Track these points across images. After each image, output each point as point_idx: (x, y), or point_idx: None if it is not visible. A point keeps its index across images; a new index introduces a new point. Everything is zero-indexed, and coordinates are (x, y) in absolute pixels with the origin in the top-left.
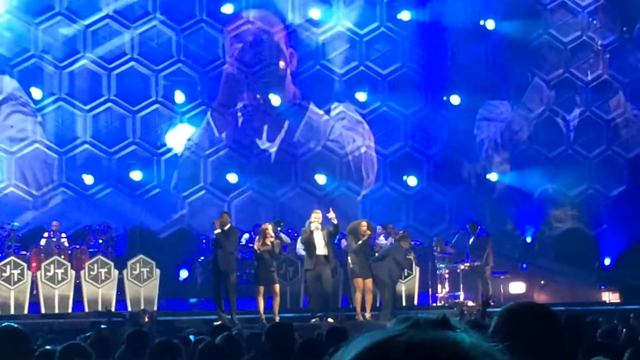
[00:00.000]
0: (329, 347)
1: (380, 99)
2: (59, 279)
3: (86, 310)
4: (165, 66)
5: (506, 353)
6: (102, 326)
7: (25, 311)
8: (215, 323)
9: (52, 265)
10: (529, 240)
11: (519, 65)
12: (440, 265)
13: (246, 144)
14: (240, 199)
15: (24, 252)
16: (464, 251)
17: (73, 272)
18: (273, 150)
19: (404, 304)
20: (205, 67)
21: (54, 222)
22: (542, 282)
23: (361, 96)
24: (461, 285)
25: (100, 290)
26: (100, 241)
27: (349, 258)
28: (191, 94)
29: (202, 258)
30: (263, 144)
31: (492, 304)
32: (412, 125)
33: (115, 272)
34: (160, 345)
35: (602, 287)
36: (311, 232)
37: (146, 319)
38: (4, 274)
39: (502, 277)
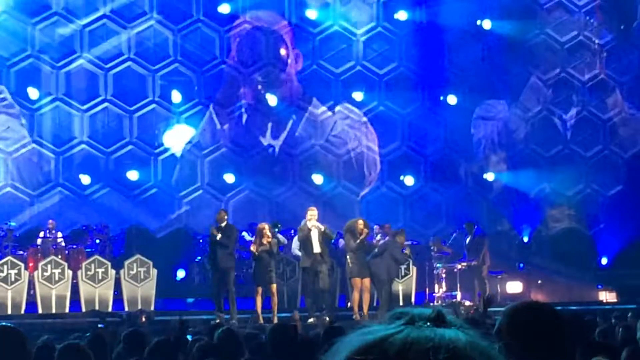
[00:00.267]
0: (326, 345)
1: (377, 98)
2: (56, 278)
3: (83, 310)
4: (162, 66)
5: (502, 351)
6: (99, 325)
7: (23, 311)
8: (213, 322)
9: (49, 265)
10: (526, 239)
11: (515, 65)
12: (438, 265)
13: (248, 141)
14: (237, 198)
15: (21, 252)
16: (461, 251)
17: (70, 272)
18: (278, 144)
19: (401, 303)
20: (202, 67)
21: (50, 221)
22: (539, 281)
23: (358, 96)
24: (458, 285)
25: (97, 290)
26: (98, 241)
27: (347, 257)
28: (188, 94)
29: (199, 258)
30: (267, 141)
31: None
32: (409, 125)
33: (112, 272)
34: (159, 344)
35: (599, 286)
36: (309, 230)
37: (143, 319)
38: (1, 274)
39: (499, 276)
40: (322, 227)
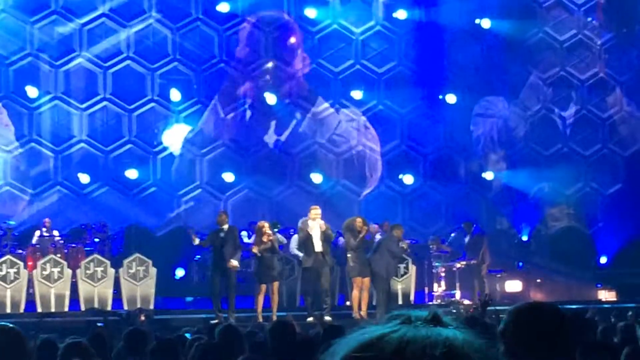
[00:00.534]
0: (325, 345)
1: (376, 97)
2: (55, 277)
3: (82, 309)
4: (161, 65)
5: (504, 351)
6: (99, 324)
7: (22, 310)
8: (212, 322)
9: (48, 264)
10: (525, 238)
11: (515, 63)
12: (437, 264)
13: (248, 140)
14: (236, 197)
15: (20, 251)
16: (460, 250)
17: (69, 271)
18: (284, 137)
19: (400, 302)
20: (201, 65)
21: (46, 219)
22: (539, 280)
23: (357, 95)
24: (457, 284)
25: (96, 289)
26: (97, 240)
27: (348, 256)
28: (187, 93)
29: (199, 257)
30: (270, 138)
31: (490, 302)
32: (408, 123)
33: (111, 271)
34: (161, 344)
35: (599, 285)
36: (309, 230)
37: (142, 318)
38: (0, 273)
39: (498, 275)
40: (325, 227)
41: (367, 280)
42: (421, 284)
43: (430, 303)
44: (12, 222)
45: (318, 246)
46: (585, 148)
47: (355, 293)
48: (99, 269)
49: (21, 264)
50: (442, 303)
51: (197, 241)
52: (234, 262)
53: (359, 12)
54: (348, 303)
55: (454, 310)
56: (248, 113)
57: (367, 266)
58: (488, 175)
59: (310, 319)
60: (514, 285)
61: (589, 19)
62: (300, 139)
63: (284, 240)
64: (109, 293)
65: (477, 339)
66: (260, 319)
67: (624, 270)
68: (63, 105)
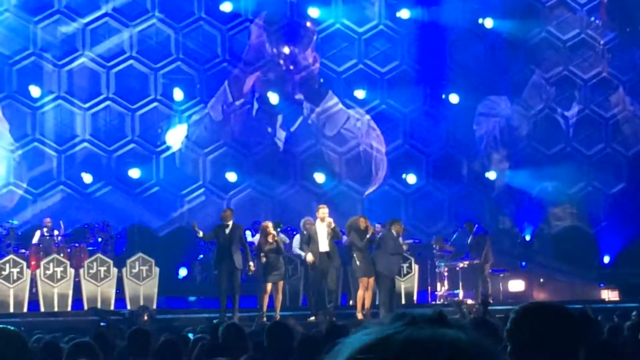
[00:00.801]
0: (328, 344)
1: (379, 97)
2: (58, 277)
3: (85, 308)
4: (164, 64)
5: (509, 351)
6: (102, 324)
7: (25, 309)
8: (215, 321)
9: (51, 264)
10: (528, 238)
11: (517, 63)
12: (440, 263)
13: (251, 139)
14: (239, 197)
15: (23, 251)
16: (463, 249)
17: (72, 271)
18: (293, 128)
19: (403, 301)
20: (204, 65)
21: (47, 219)
22: (542, 280)
23: (360, 94)
24: (460, 283)
25: (99, 288)
26: (100, 239)
27: (355, 256)
28: (190, 92)
29: (202, 256)
30: (280, 133)
31: (491, 301)
32: (411, 123)
33: (114, 271)
34: (166, 344)
35: (602, 285)
36: (315, 229)
37: (145, 318)
38: (3, 272)
39: (501, 275)
40: (333, 224)
41: (372, 279)
42: (424, 283)
43: (433, 303)
44: (15, 222)
45: (323, 246)
46: (588, 147)
47: (360, 293)
48: (102, 269)
49: (24, 263)
50: (445, 303)
51: (200, 233)
52: (252, 266)
53: (362, 11)
54: (351, 302)
55: (457, 310)
56: (255, 105)
57: (372, 265)
58: (491, 175)
59: (313, 318)
60: (516, 285)
61: (592, 18)
62: (303, 138)
63: (287, 240)
64: (112, 293)
65: (481, 340)
66: (265, 319)
67: (626, 270)
68: (66, 105)
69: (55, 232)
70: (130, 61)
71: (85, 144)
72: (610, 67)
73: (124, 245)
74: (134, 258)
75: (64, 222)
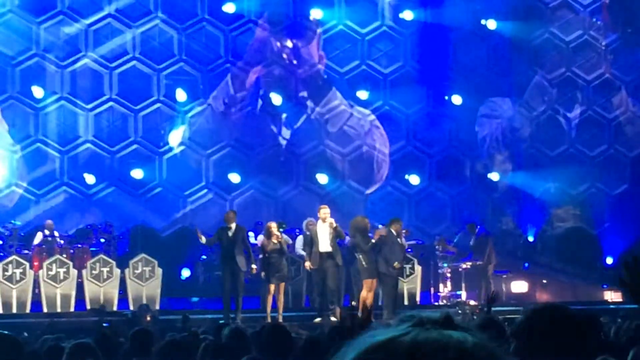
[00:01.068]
0: (331, 345)
1: (382, 98)
2: (61, 278)
3: (88, 309)
4: (167, 65)
5: (510, 353)
6: (105, 324)
7: (28, 310)
8: (221, 322)
9: (54, 264)
10: (531, 239)
11: (520, 64)
12: (443, 264)
13: (253, 140)
14: (242, 197)
15: (26, 251)
16: (466, 250)
17: (75, 271)
18: (297, 125)
19: (406, 302)
20: (207, 66)
21: (48, 221)
22: (544, 281)
23: (362, 95)
24: (463, 284)
25: (102, 289)
26: (102, 240)
27: (360, 257)
28: (193, 93)
29: (204, 257)
30: (284, 132)
31: (495, 299)
32: (414, 124)
33: (117, 271)
34: (170, 344)
35: (605, 286)
36: (316, 231)
37: (148, 318)
38: (6, 273)
39: (504, 276)
40: (335, 224)
41: (375, 281)
42: (427, 284)
43: (436, 304)
44: (18, 223)
45: (323, 246)
46: (591, 149)
47: (363, 294)
48: (105, 270)
49: (27, 264)
50: (448, 304)
51: (203, 239)
52: (254, 267)
53: (365, 12)
54: (354, 303)
55: (460, 311)
56: (260, 102)
57: (375, 266)
58: (494, 176)
59: (317, 320)
60: (519, 286)
61: (595, 19)
62: (306, 139)
63: (290, 241)
64: (115, 293)
65: (488, 342)
66: (269, 320)
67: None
68: (69, 106)
69: (56, 234)
70: (133, 62)
71: (88, 144)
72: (612, 68)
73: (127, 246)
74: (136, 259)
75: (67, 223)
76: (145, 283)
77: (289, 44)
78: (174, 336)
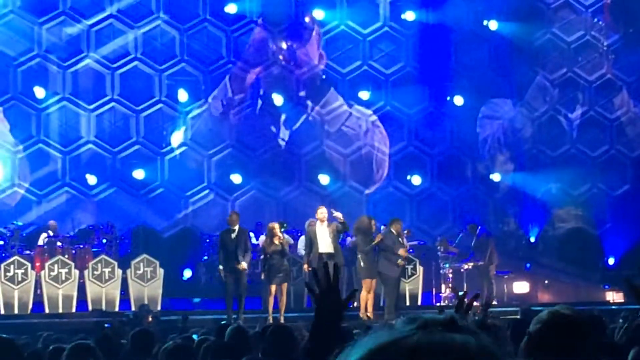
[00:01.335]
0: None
1: (384, 98)
2: (63, 278)
3: (90, 309)
4: (169, 66)
5: (513, 356)
6: (106, 325)
7: (29, 311)
8: (223, 322)
9: (55, 265)
10: (532, 239)
11: (522, 64)
12: (444, 265)
13: (255, 140)
14: (244, 198)
15: (27, 252)
16: (467, 251)
17: (77, 272)
18: (296, 127)
19: (407, 303)
20: (209, 66)
21: (52, 221)
22: (546, 281)
23: (364, 95)
24: (465, 285)
25: (104, 289)
26: (104, 241)
27: (359, 258)
28: (195, 94)
29: (206, 257)
30: (284, 133)
31: (495, 303)
32: (416, 124)
33: (118, 272)
34: (175, 348)
35: (606, 286)
36: (315, 231)
37: (150, 319)
38: (7, 274)
39: (505, 276)
40: (334, 225)
41: (375, 281)
42: (429, 285)
43: (438, 304)
44: (19, 223)
45: (323, 247)
46: (592, 149)
47: (363, 294)
48: (107, 270)
49: (29, 264)
50: (450, 304)
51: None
52: (244, 265)
53: (367, 13)
54: (356, 304)
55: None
56: (259, 102)
57: (375, 267)
58: (495, 177)
59: None
60: (521, 287)
61: (596, 19)
62: (307, 140)
63: (291, 241)
64: (117, 294)
65: (491, 345)
66: (271, 320)
67: (631, 272)
68: (71, 106)
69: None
70: (135, 62)
71: (90, 145)
72: (614, 69)
73: (129, 246)
74: (138, 259)
75: (69, 223)
76: (146, 284)
77: (284, 45)
78: (168, 345)
